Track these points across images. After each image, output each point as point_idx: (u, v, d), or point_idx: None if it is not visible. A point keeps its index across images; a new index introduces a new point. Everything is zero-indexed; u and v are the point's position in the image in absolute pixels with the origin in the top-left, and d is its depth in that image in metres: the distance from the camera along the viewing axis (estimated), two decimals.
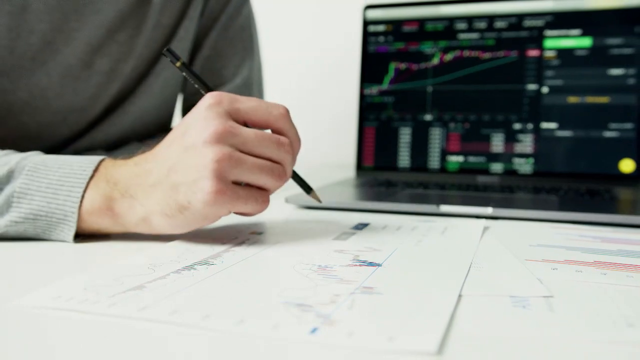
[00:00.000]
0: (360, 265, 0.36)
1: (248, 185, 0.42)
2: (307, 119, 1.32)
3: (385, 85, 0.91)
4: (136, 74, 0.67)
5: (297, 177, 0.48)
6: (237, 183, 0.41)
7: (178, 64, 0.46)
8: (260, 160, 0.41)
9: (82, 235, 0.44)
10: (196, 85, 0.47)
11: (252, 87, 0.77)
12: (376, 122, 0.91)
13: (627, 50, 0.80)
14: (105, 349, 0.24)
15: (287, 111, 0.44)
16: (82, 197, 0.42)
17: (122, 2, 0.63)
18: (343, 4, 1.20)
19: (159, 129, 0.74)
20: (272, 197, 0.71)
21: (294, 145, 0.44)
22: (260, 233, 0.47)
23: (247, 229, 0.48)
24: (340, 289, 0.31)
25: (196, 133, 0.40)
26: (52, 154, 0.65)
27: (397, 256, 0.39)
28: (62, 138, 0.66)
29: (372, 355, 0.23)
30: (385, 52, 0.91)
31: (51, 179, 0.42)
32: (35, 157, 0.44)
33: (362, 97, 0.92)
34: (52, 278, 0.33)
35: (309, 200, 0.61)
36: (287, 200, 0.62)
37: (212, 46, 0.73)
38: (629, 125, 0.79)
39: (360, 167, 0.91)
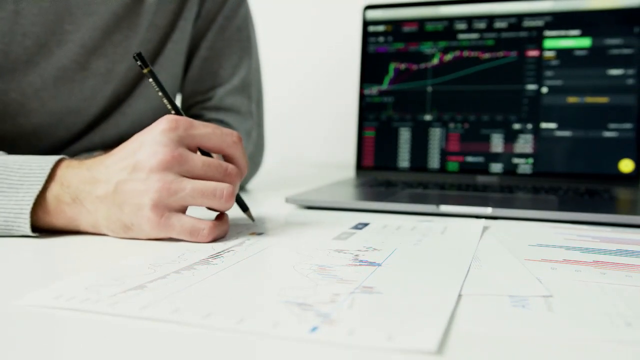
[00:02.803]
0: (360, 264, 0.36)
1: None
2: (307, 119, 1.32)
3: (385, 86, 0.91)
4: (132, 75, 0.68)
5: (238, 199, 0.50)
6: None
7: (145, 70, 0.47)
8: (201, 185, 0.43)
9: (46, 231, 0.45)
10: (164, 100, 0.48)
11: (250, 87, 0.77)
12: (376, 122, 0.91)
13: (627, 51, 0.80)
14: (107, 348, 0.24)
15: (240, 139, 0.46)
16: (40, 194, 0.43)
17: (116, 3, 0.63)
18: (343, 4, 1.21)
19: None
20: (272, 197, 0.71)
21: (242, 171, 0.46)
22: (260, 233, 0.47)
23: (247, 229, 0.48)
24: (340, 289, 0.31)
25: (146, 156, 0.42)
26: (49, 155, 0.65)
27: (396, 256, 0.39)
28: (59, 139, 0.66)
29: (372, 354, 0.23)
30: (385, 53, 0.91)
31: (12, 180, 0.44)
32: None
33: (362, 97, 0.92)
34: (52, 278, 0.33)
35: (309, 200, 0.61)
36: (287, 200, 0.62)
37: (209, 47, 0.74)
38: (628, 126, 0.79)
39: (360, 167, 0.91)
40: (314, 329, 0.25)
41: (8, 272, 0.36)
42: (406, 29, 0.91)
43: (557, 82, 0.83)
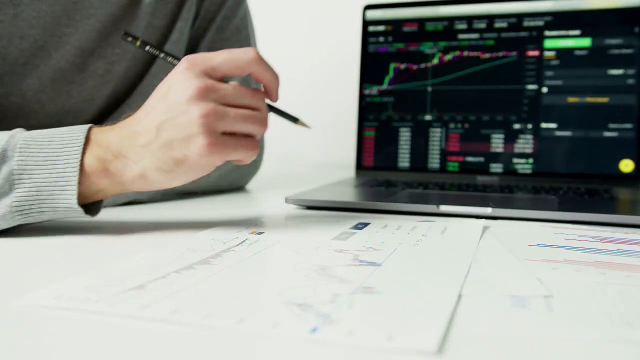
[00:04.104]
0: (360, 265, 0.36)
1: (234, 135, 0.45)
2: (307, 119, 1.32)
3: (385, 86, 0.91)
4: (131, 75, 0.68)
5: (280, 112, 0.52)
6: (225, 134, 0.44)
7: (138, 43, 0.49)
8: (242, 110, 0.44)
9: (88, 207, 0.45)
10: (168, 59, 0.50)
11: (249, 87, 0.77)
12: (376, 122, 0.91)
13: (627, 51, 0.80)
14: (107, 347, 0.24)
15: (257, 54, 0.46)
16: (81, 162, 0.43)
17: (113, 5, 0.63)
18: (343, 4, 1.20)
19: None
20: (271, 197, 0.72)
21: (272, 84, 0.48)
22: (260, 233, 0.47)
23: (247, 229, 0.48)
24: (340, 289, 0.31)
25: (179, 92, 0.43)
26: None
27: (396, 256, 0.39)
28: None
29: (372, 354, 0.23)
30: (385, 52, 0.91)
31: (47, 153, 0.43)
32: (22, 134, 0.45)
33: (362, 97, 0.92)
34: (53, 278, 0.33)
35: (309, 200, 0.61)
36: (287, 200, 0.62)
37: (208, 47, 0.74)
38: (628, 126, 0.79)
39: (360, 167, 0.91)
40: (314, 329, 0.25)
41: (8, 271, 0.36)
42: (406, 28, 0.91)
43: (557, 82, 0.83)
